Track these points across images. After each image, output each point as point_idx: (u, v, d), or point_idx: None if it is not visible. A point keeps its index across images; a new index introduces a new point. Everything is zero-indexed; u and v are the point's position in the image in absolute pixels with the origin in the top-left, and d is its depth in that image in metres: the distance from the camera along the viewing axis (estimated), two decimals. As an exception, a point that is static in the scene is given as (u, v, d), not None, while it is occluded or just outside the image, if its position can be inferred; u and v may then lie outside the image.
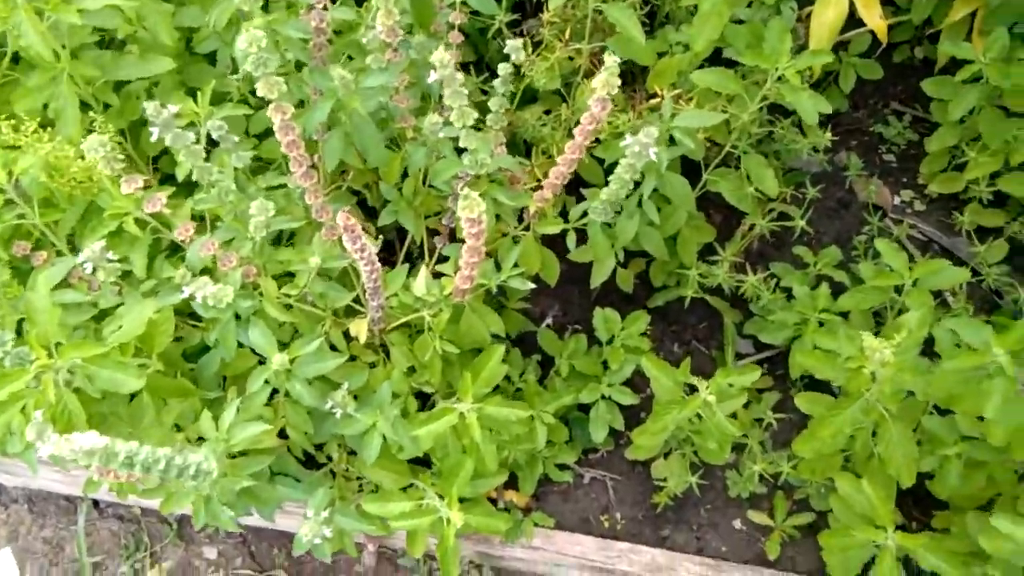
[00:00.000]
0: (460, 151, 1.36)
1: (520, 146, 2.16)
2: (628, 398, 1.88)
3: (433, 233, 1.65)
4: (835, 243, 2.36)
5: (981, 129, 2.26)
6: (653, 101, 1.92)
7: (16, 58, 1.64)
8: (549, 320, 2.20)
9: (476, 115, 1.21)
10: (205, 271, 1.37)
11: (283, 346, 1.32)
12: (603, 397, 1.87)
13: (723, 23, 1.74)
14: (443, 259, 1.59)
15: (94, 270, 1.28)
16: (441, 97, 1.60)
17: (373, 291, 1.28)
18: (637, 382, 1.99)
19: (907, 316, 1.52)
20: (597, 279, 1.94)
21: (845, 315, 1.96)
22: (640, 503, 2.01)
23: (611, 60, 1.17)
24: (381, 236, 1.60)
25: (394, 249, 1.88)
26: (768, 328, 2.04)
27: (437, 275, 1.47)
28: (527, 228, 1.56)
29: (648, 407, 2.09)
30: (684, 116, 1.64)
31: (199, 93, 1.52)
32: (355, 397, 1.40)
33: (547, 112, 2.01)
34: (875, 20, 2.27)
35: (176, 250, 1.61)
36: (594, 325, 1.97)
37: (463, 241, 1.54)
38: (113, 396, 1.21)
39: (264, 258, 1.30)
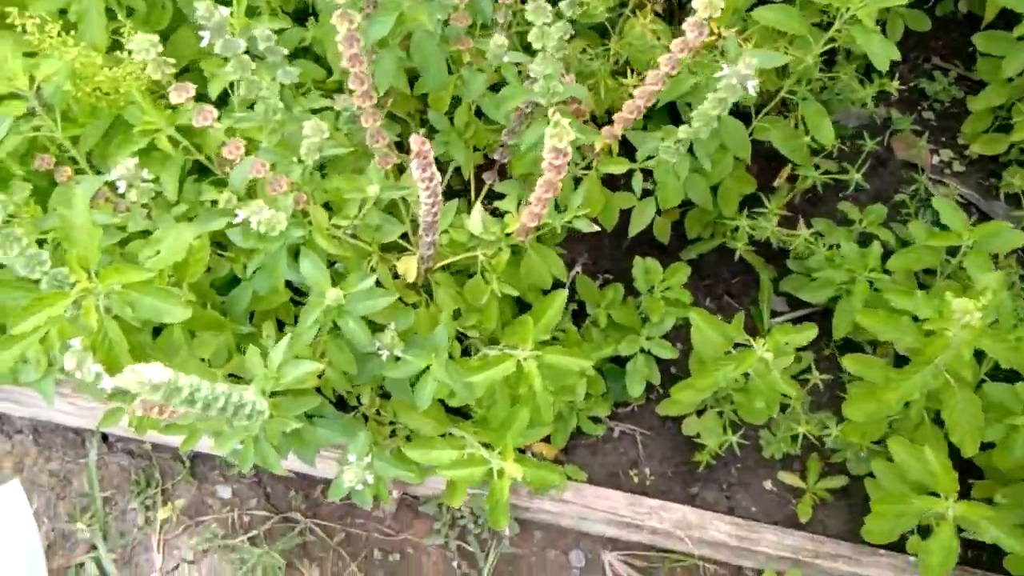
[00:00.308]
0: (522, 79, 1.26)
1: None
2: (668, 352, 1.81)
3: (479, 168, 1.55)
4: (873, 200, 2.29)
5: (1036, 90, 2.18)
6: (707, 39, 1.81)
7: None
8: (579, 268, 2.11)
9: (559, 36, 1.10)
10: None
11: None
12: (642, 350, 1.79)
13: (792, -42, 1.63)
14: (492, 196, 1.50)
15: (127, 190, 1.17)
16: (495, 21, 1.49)
17: (429, 226, 1.18)
18: (671, 335, 1.92)
19: (987, 277, 1.45)
20: (636, 227, 1.86)
21: (887, 273, 1.89)
22: (670, 459, 1.96)
23: None
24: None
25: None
26: (809, 286, 1.97)
27: (491, 212, 1.37)
28: (588, 167, 1.46)
29: (680, 363, 2.02)
30: (749, 56, 1.54)
31: (235, 1, 1.40)
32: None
33: (583, 51, 1.90)
34: (934, -33, 2.15)
35: (203, 172, 1.49)
36: (633, 275, 1.88)
37: (518, 178, 1.45)
38: (147, 327, 1.12)
39: (314, 185, 1.20)
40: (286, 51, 1.17)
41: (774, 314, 2.15)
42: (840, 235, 1.99)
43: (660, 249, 2.12)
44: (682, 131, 1.25)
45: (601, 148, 1.38)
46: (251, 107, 1.38)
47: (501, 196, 1.46)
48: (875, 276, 1.82)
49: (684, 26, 1.10)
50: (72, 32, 1.33)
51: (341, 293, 1.11)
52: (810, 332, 1.53)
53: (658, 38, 1.74)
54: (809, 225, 2.11)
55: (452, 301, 1.38)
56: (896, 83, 1.88)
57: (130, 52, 1.33)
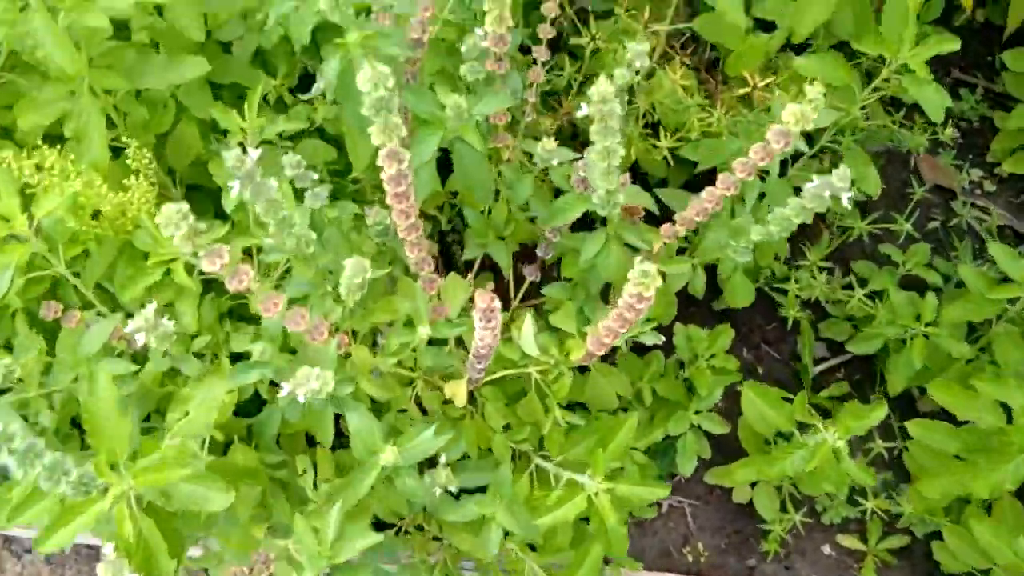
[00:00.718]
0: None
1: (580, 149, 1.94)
2: (719, 427, 1.69)
3: (516, 256, 1.42)
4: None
5: (1072, 107, 2.09)
6: (741, 91, 1.70)
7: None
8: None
9: (623, 153, 0.99)
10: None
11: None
12: (692, 426, 1.68)
13: (835, 1, 1.52)
14: (533, 289, 1.38)
15: (146, 339, 1.05)
16: (525, 100, 1.37)
17: (483, 357, 1.07)
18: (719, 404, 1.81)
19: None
20: (673, 288, 1.75)
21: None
22: (721, 530, 1.86)
23: (815, 91, 0.95)
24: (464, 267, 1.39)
25: (452, 263, 1.64)
26: (856, 337, 1.87)
27: (534, 308, 1.26)
28: (644, 263, 1.35)
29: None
30: (843, 167, 1.42)
31: (246, 103, 1.27)
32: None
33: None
34: (962, -14, 2.06)
35: (209, 285, 1.37)
36: (673, 343, 1.77)
37: (565, 279, 1.34)
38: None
39: (355, 321, 1.08)
40: (316, 175, 1.05)
41: (817, 361, 2.06)
42: (884, 280, 1.89)
43: (690, 300, 2.02)
44: (755, 232, 1.13)
45: (659, 248, 1.27)
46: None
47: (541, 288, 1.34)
48: (932, 331, 1.72)
49: (768, 134, 0.99)
50: (59, 147, 1.20)
51: (397, 452, 1.00)
52: (880, 412, 1.43)
53: (691, 95, 1.62)
54: (848, 270, 2.02)
55: (502, 417, 1.26)
56: (950, 131, 1.77)
57: (137, 174, 1.22)
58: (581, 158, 1.16)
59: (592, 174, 1.01)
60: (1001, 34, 2.43)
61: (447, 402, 1.27)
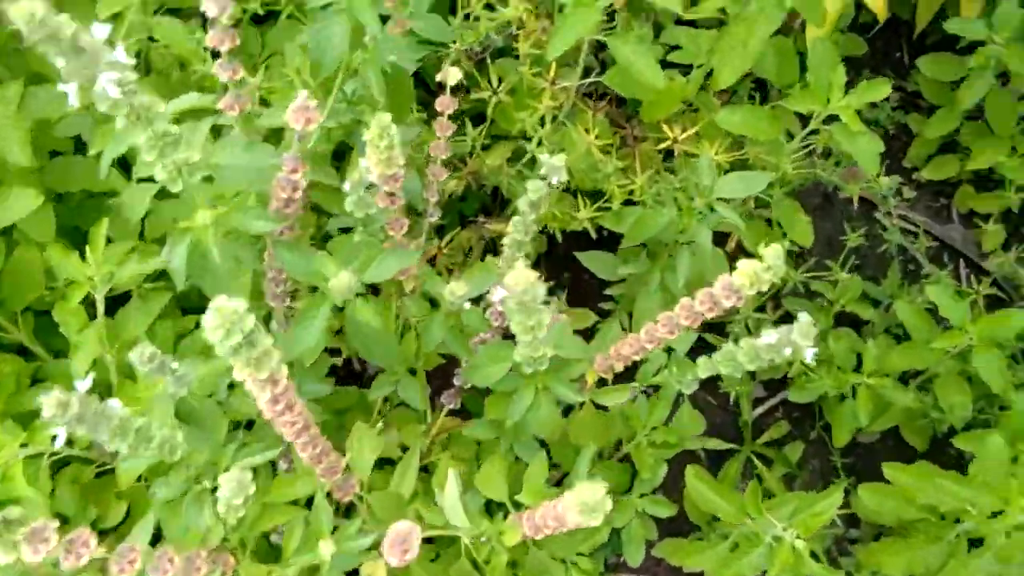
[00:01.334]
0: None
1: (488, 198, 1.77)
2: (665, 509, 1.56)
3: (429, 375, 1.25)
4: (826, 246, 2.13)
5: (988, 114, 2.04)
6: (661, 145, 1.55)
7: None
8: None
9: (547, 320, 0.82)
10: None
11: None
12: (637, 512, 1.55)
13: (759, 50, 1.38)
14: (452, 411, 1.22)
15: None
16: (426, 200, 1.19)
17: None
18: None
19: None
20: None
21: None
22: (674, 605, 1.76)
23: (772, 253, 0.80)
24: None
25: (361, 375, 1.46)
26: (795, 385, 1.77)
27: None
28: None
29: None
30: (728, 183, 1.29)
31: (88, 245, 1.05)
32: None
33: (510, 159, 1.61)
34: (875, -2, 1.96)
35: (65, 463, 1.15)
36: (610, 418, 1.63)
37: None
38: None
39: (241, 532, 0.89)
40: (178, 367, 0.85)
41: (756, 402, 1.97)
42: (819, 321, 1.79)
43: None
44: (702, 368, 0.99)
45: (592, 381, 1.12)
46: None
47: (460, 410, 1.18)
48: (875, 382, 1.63)
49: (717, 287, 0.84)
50: None
51: None
52: (836, 497, 1.33)
53: (609, 155, 1.46)
54: (779, 304, 1.94)
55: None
56: (888, 181, 1.67)
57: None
58: (496, 285, 0.99)
59: (516, 336, 0.85)
60: (910, 29, 2.36)
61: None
